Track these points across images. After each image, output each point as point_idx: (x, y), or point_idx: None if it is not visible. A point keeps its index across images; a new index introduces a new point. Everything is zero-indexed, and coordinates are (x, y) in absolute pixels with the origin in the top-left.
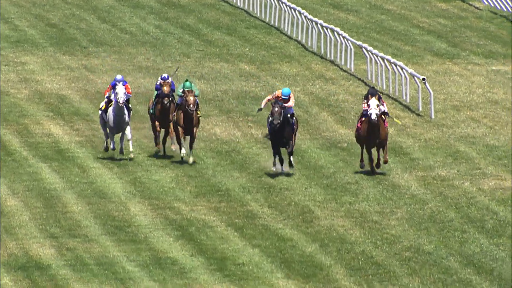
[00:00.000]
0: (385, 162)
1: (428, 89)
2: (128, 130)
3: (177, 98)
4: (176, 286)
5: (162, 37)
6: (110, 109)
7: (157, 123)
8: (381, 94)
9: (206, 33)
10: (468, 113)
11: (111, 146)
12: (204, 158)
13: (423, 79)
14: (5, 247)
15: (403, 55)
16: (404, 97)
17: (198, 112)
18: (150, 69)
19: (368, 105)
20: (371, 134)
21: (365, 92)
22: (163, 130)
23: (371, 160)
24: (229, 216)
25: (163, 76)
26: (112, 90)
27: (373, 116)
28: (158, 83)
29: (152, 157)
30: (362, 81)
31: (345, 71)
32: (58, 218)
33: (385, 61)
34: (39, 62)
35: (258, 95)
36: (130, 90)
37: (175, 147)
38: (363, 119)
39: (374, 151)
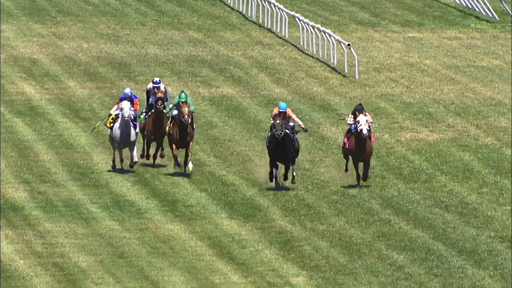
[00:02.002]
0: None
1: (353, 54)
2: (134, 152)
3: (172, 111)
4: (133, 225)
5: (121, 8)
6: (116, 125)
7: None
8: (366, 111)
9: (159, 4)
10: (387, 74)
11: (119, 160)
12: None
13: (348, 44)
14: None
15: (331, 23)
16: (332, 60)
17: (193, 126)
18: (110, 36)
19: (358, 121)
20: (359, 149)
21: (298, 57)
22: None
23: (358, 176)
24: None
25: (155, 80)
26: (120, 104)
27: (364, 131)
28: (148, 87)
29: None
30: (295, 46)
31: (280, 37)
32: (31, 166)
33: (315, 29)
34: (13, 30)
35: (205, 58)
36: (137, 107)
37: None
38: (349, 134)
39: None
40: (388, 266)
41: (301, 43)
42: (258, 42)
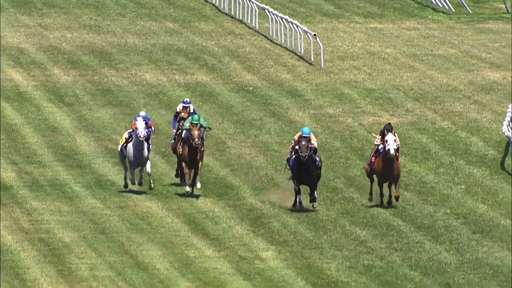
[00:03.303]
0: (397, 197)
1: (319, 43)
2: (148, 165)
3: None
4: (114, 203)
5: (102, 0)
6: (130, 144)
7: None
8: (394, 130)
9: None
10: (350, 62)
11: (131, 180)
12: (136, 99)
13: (314, 35)
14: None
15: (298, 15)
16: (299, 49)
17: (203, 147)
18: (92, 27)
19: (386, 140)
20: (386, 169)
21: (267, 46)
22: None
23: (382, 195)
24: (156, 146)
25: (185, 100)
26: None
27: (392, 151)
28: (178, 108)
29: (93, 97)
30: (265, 36)
31: (251, 28)
32: (18, 147)
33: (284, 20)
34: (2, 21)
35: (180, 47)
36: (154, 127)
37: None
38: (377, 154)
39: (385, 186)
40: (351, 241)
41: (270, 33)
42: (230, 32)
